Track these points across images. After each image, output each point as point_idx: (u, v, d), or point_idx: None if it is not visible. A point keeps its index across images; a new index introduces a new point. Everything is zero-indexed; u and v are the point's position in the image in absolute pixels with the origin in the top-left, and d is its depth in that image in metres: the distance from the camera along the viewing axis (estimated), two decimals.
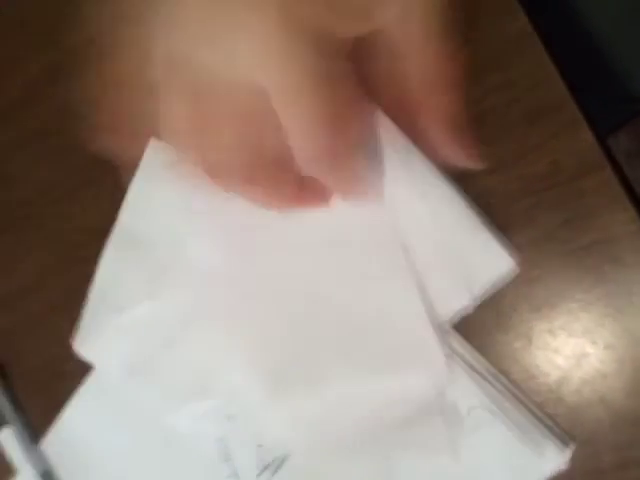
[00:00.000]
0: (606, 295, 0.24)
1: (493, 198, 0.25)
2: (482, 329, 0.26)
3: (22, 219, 0.37)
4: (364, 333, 0.26)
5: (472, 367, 0.26)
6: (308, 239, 0.27)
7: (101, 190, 0.34)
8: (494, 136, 0.25)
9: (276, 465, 0.31)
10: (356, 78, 0.21)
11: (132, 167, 0.30)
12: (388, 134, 0.25)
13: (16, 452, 0.38)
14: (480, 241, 0.25)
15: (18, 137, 0.36)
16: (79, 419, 0.36)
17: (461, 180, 0.25)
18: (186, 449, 0.33)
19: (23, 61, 0.36)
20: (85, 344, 0.34)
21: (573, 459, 0.25)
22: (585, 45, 0.41)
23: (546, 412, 0.25)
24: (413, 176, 0.25)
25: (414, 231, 0.26)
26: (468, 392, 0.26)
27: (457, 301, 0.25)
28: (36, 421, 0.38)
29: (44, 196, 0.36)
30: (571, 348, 0.25)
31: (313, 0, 0.19)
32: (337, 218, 0.26)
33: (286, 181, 0.24)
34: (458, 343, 0.26)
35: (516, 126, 0.24)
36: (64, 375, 0.36)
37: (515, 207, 0.25)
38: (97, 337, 0.34)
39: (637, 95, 0.41)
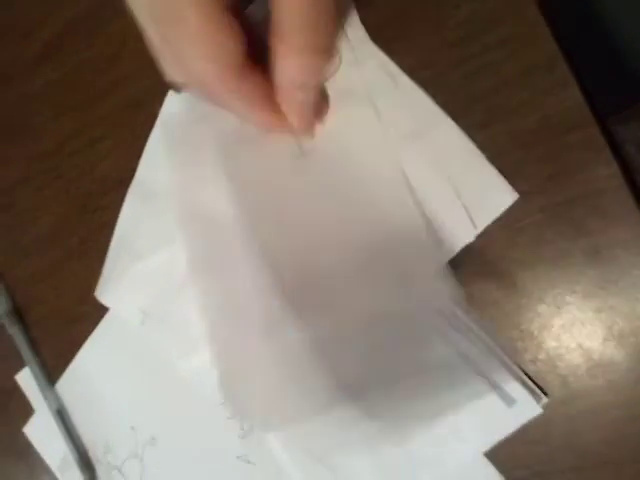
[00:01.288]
0: (588, 246, 0.25)
1: (484, 151, 0.26)
2: (467, 277, 0.27)
3: (41, 170, 0.39)
4: (378, 253, 0.28)
5: (454, 316, 0.27)
6: (319, 178, 0.28)
7: (118, 142, 0.36)
8: (487, 92, 0.26)
9: None
10: None
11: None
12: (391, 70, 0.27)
13: (33, 392, 0.40)
14: (485, 174, 0.26)
15: (40, 90, 0.38)
16: (93, 361, 0.38)
17: None
18: (191, 391, 0.35)
19: (45, 17, 0.38)
20: (106, 292, 0.36)
21: (551, 402, 0.26)
22: (597, 27, 0.41)
23: (524, 361, 0.27)
24: (415, 111, 0.27)
25: (418, 165, 0.27)
26: (444, 344, 0.27)
27: (463, 237, 0.27)
28: (52, 362, 0.40)
29: (63, 148, 0.38)
30: (552, 296, 0.26)
31: None
32: (344, 157, 0.28)
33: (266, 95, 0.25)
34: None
35: (508, 83, 0.25)
36: (79, 318, 0.38)
37: (504, 160, 0.26)
38: (117, 285, 0.36)
39: None
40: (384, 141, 0.27)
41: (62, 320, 0.39)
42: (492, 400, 0.27)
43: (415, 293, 0.27)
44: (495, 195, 0.26)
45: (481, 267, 0.27)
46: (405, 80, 0.27)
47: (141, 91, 0.34)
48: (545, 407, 0.26)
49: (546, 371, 0.27)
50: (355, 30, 0.28)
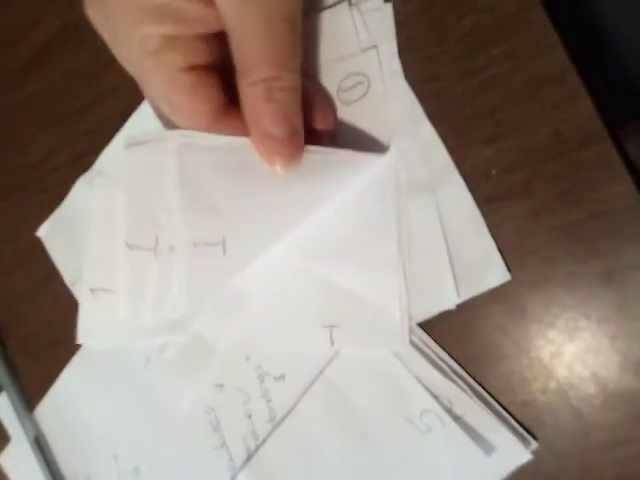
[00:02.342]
0: (601, 268, 0.24)
1: (492, 168, 0.25)
2: (475, 301, 0.26)
3: (26, 184, 0.37)
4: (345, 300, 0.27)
5: (434, 364, 0.26)
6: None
7: None
8: (494, 106, 0.25)
9: (263, 437, 0.31)
10: None
11: None
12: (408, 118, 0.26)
13: (10, 418, 0.38)
14: (482, 247, 0.25)
15: (25, 101, 0.37)
16: (74, 385, 0.36)
17: (459, 150, 0.25)
18: (177, 419, 0.33)
19: (33, 26, 0.36)
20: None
21: (564, 436, 0.25)
22: (601, 37, 0.40)
23: (533, 391, 0.25)
24: (429, 164, 0.26)
25: (419, 222, 0.26)
26: (420, 396, 0.26)
27: (441, 304, 0.26)
28: (31, 387, 0.38)
29: (48, 161, 0.36)
30: (564, 322, 0.24)
31: None
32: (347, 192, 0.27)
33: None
34: (421, 340, 0.27)
35: (517, 96, 0.24)
36: (61, 341, 0.36)
37: (513, 178, 0.24)
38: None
39: None
40: (391, 188, 0.26)
41: (43, 342, 0.38)
42: (469, 448, 0.26)
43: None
44: (488, 270, 0.25)
45: (489, 290, 0.25)
46: (427, 128, 0.26)
47: (128, 105, 0.32)
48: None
49: (557, 402, 0.25)
50: (391, 61, 0.27)
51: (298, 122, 0.23)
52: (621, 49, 0.41)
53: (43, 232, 0.36)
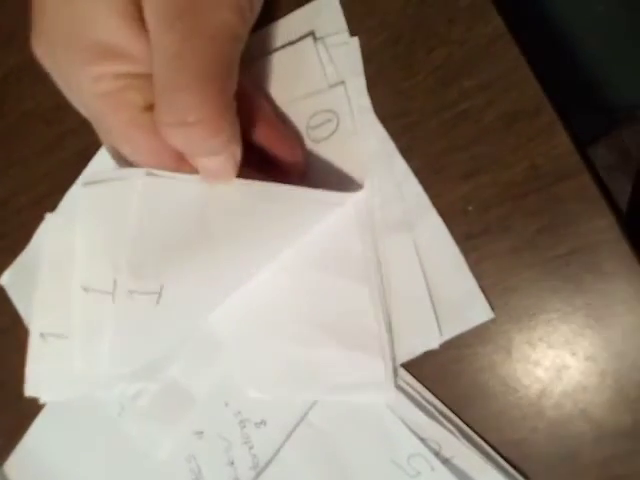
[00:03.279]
0: (586, 305, 0.23)
1: (469, 205, 0.24)
2: (459, 340, 0.25)
3: None
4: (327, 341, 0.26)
5: (420, 406, 0.25)
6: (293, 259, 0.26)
7: None
8: (468, 140, 0.24)
9: None
10: None
11: None
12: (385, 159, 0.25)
13: None
14: (463, 285, 0.24)
15: None
16: (44, 439, 0.35)
17: (435, 186, 0.25)
18: (156, 469, 0.32)
19: None
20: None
21: (555, 475, 0.24)
22: (564, 55, 0.40)
23: (523, 430, 0.24)
24: (404, 202, 0.25)
25: (397, 261, 0.25)
26: (407, 440, 0.26)
27: (424, 344, 0.25)
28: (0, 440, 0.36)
29: (8, 203, 0.35)
30: (551, 360, 0.24)
31: None
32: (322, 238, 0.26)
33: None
34: (405, 382, 0.26)
35: (491, 130, 0.24)
36: None
37: (491, 214, 0.24)
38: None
39: (615, 105, 0.41)
40: (366, 227, 0.26)
41: (10, 393, 0.36)
42: None
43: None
44: (470, 309, 0.24)
45: (473, 329, 0.24)
46: (400, 163, 0.25)
47: (88, 145, 0.31)
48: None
49: (548, 441, 0.24)
50: (360, 97, 0.26)
51: (228, 154, 0.22)
52: (586, 65, 0.41)
53: (5, 280, 0.35)
